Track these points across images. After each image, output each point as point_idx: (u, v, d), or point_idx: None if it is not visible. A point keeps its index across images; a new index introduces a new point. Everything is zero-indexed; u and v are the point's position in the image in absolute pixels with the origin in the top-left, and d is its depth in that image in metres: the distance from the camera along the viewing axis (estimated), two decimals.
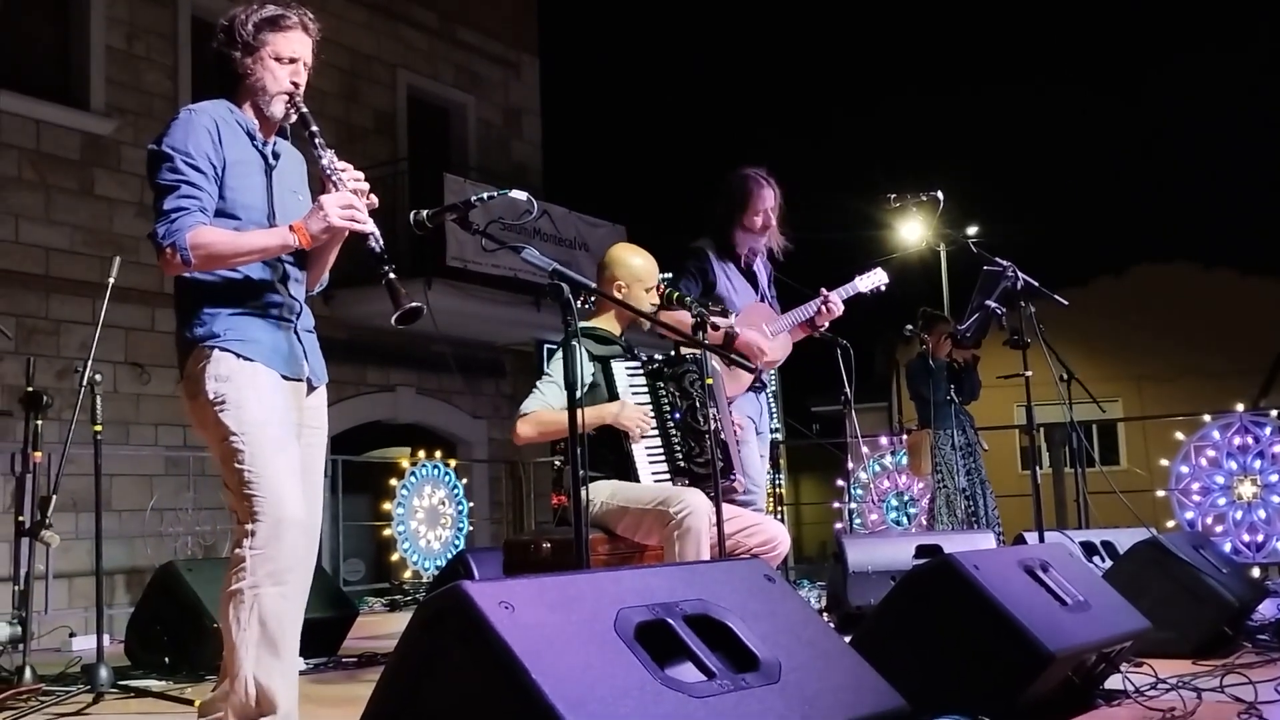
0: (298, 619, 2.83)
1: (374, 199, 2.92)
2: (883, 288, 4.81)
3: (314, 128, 2.96)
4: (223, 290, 2.85)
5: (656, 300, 4.05)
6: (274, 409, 2.83)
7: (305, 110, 2.96)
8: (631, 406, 3.77)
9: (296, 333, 2.97)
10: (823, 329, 4.75)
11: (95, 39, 10.13)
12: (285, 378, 2.90)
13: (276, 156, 3.00)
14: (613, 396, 3.81)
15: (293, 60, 2.94)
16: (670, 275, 4.64)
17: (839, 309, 4.66)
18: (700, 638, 2.08)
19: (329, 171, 2.91)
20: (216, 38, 2.94)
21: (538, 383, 3.85)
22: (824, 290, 4.68)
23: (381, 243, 2.90)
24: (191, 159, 2.79)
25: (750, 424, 4.55)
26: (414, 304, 2.81)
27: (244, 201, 2.88)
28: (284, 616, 2.76)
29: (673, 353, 4.01)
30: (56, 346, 9.38)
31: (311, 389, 3.02)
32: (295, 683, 2.82)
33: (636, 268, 4.04)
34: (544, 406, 3.77)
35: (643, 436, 3.78)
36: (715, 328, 4.04)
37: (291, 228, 2.81)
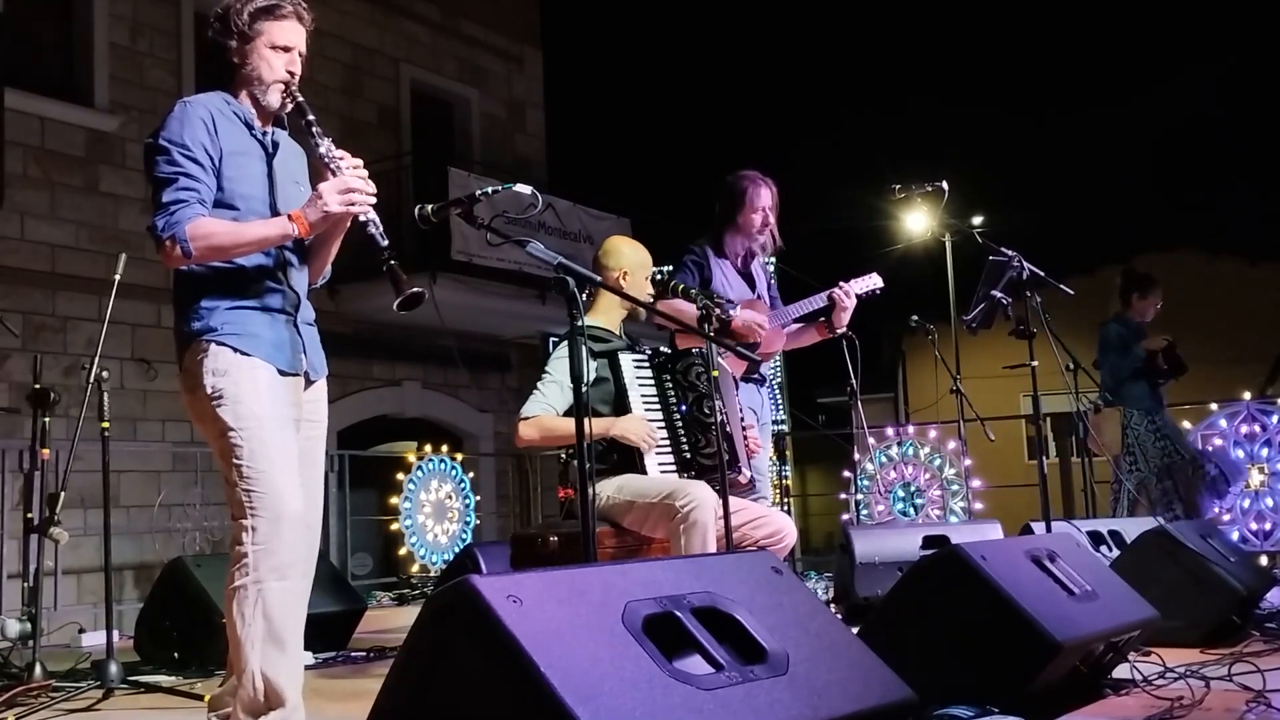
0: (301, 612, 2.84)
1: (371, 185, 2.92)
2: (877, 291, 4.77)
3: (310, 116, 2.95)
4: (221, 283, 2.85)
5: (652, 290, 4.05)
6: (272, 404, 2.83)
7: (301, 99, 2.96)
8: (636, 419, 3.75)
9: (296, 326, 2.96)
10: (840, 329, 4.71)
11: (99, 36, 10.13)
12: (283, 372, 2.90)
13: (276, 146, 3.00)
14: (619, 390, 3.80)
15: (288, 49, 2.94)
16: (669, 269, 4.66)
17: (851, 302, 4.62)
18: (708, 630, 2.09)
19: (326, 159, 2.91)
20: (211, 26, 2.95)
21: (538, 384, 3.83)
22: (840, 283, 4.65)
23: (381, 229, 2.90)
24: (188, 151, 2.79)
25: (751, 414, 4.55)
26: (415, 289, 2.82)
27: (242, 191, 2.88)
28: (288, 610, 2.77)
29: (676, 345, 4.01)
30: (63, 343, 9.40)
31: (310, 382, 3.02)
32: (301, 675, 2.82)
33: (635, 258, 4.04)
34: (546, 409, 3.76)
35: (653, 449, 3.76)
36: (721, 321, 4.04)
37: (290, 217, 2.81)
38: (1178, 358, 6.94)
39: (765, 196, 4.66)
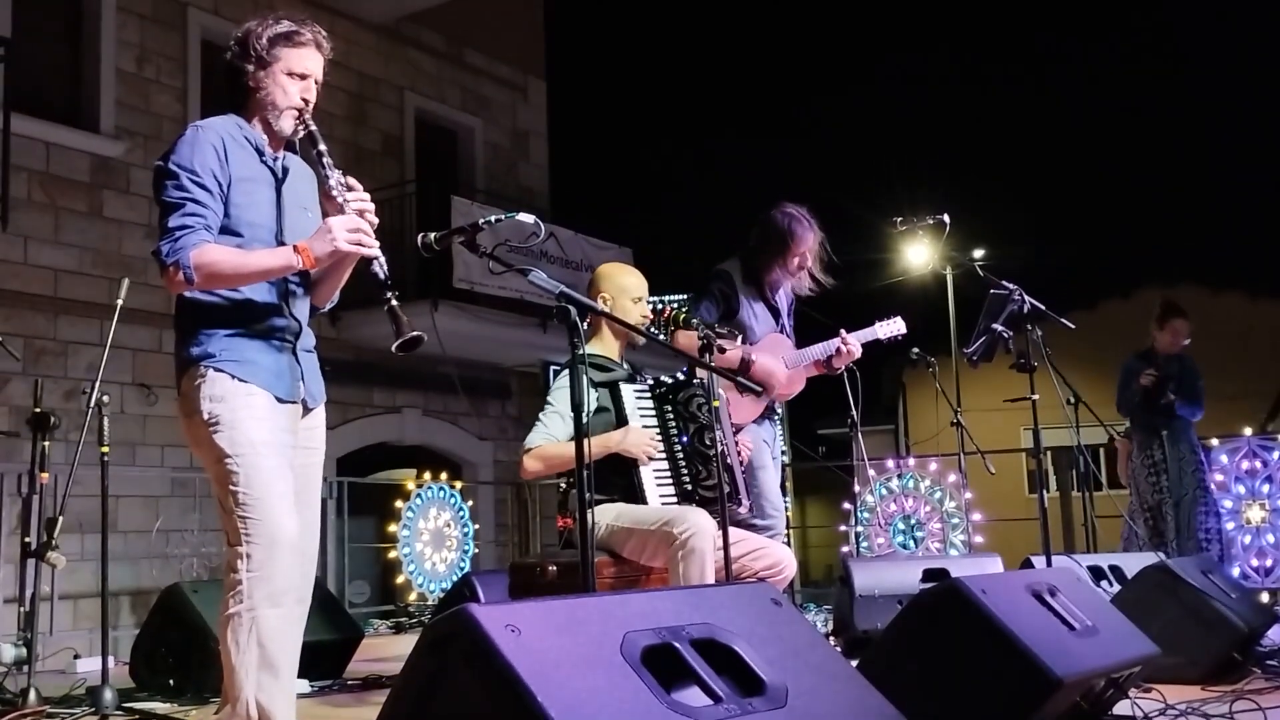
0: (297, 640, 2.83)
1: (375, 219, 2.93)
2: (900, 337, 4.79)
3: (322, 146, 2.96)
4: (222, 310, 2.86)
5: (647, 313, 4.03)
6: (268, 430, 2.83)
7: (314, 128, 2.96)
8: (637, 431, 3.74)
9: (295, 353, 2.96)
10: (839, 370, 4.75)
11: (105, 62, 10.17)
12: (281, 399, 2.90)
13: (286, 172, 3.01)
14: (621, 420, 3.79)
15: (304, 76, 2.95)
16: (688, 296, 4.67)
17: (857, 352, 4.64)
18: (707, 662, 2.07)
19: (335, 192, 2.91)
20: (230, 49, 2.96)
21: (540, 415, 3.82)
22: (843, 331, 4.65)
23: (386, 269, 2.90)
24: (197, 176, 2.80)
25: (765, 448, 4.54)
26: (415, 333, 2.82)
27: (249, 219, 2.88)
28: (283, 638, 2.76)
29: (680, 375, 4.00)
30: (64, 367, 9.40)
31: (308, 410, 3.02)
32: (294, 703, 2.81)
33: (624, 283, 4.02)
34: (548, 439, 3.75)
35: (650, 460, 3.76)
36: (722, 350, 4.03)
37: (296, 249, 2.81)
38: (1158, 393, 6.95)
39: (810, 241, 4.63)
